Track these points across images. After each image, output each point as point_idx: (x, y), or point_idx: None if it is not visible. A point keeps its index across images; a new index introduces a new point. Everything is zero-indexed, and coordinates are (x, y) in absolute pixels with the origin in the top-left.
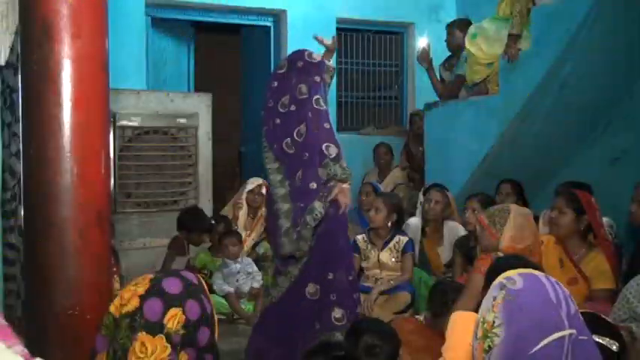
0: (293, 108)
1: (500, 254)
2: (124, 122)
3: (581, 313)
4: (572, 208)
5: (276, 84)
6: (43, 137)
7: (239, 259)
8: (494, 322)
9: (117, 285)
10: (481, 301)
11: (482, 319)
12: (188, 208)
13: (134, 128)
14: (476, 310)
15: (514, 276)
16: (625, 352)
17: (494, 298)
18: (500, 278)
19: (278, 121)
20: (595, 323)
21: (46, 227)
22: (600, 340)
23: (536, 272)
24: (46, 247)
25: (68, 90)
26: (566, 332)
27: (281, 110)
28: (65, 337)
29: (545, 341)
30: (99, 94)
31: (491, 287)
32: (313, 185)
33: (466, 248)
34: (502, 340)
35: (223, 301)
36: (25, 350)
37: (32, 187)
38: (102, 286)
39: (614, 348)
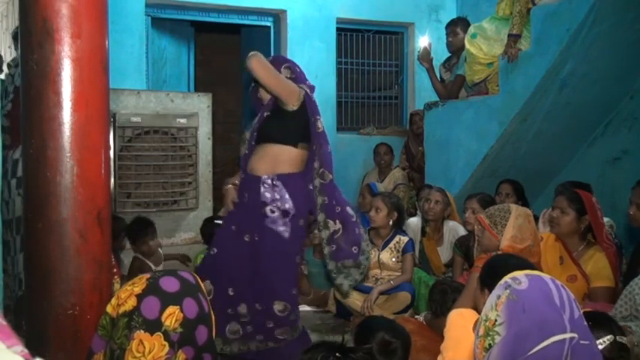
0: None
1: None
2: (124, 122)
3: (597, 313)
4: (574, 208)
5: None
6: (43, 137)
7: None
8: (496, 320)
9: (117, 285)
10: (476, 299)
11: (485, 317)
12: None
13: (134, 128)
14: (474, 310)
15: (520, 276)
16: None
17: (499, 297)
18: (507, 278)
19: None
20: (612, 325)
21: (46, 227)
22: (623, 341)
23: (544, 275)
24: (46, 247)
25: (68, 90)
26: (567, 336)
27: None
28: (65, 337)
29: (545, 343)
30: (99, 94)
31: (497, 286)
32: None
33: (466, 248)
34: (502, 338)
35: None
36: (25, 350)
37: (32, 187)
38: (102, 286)
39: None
